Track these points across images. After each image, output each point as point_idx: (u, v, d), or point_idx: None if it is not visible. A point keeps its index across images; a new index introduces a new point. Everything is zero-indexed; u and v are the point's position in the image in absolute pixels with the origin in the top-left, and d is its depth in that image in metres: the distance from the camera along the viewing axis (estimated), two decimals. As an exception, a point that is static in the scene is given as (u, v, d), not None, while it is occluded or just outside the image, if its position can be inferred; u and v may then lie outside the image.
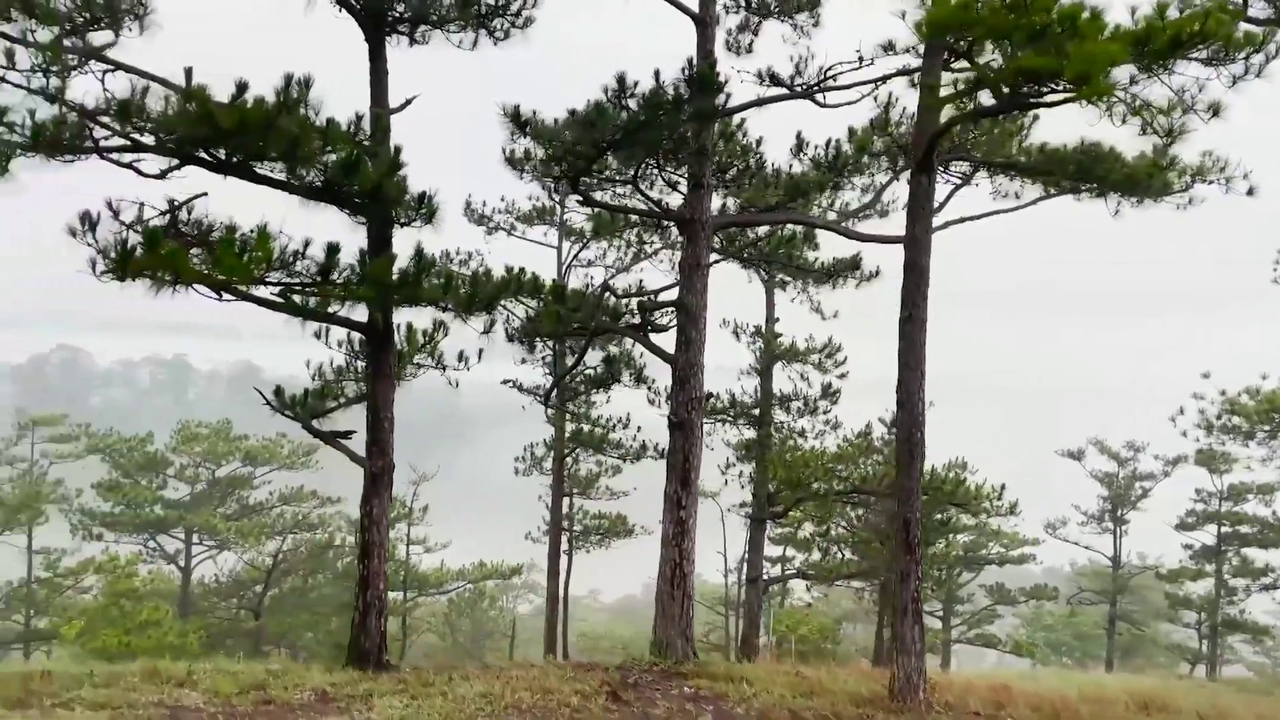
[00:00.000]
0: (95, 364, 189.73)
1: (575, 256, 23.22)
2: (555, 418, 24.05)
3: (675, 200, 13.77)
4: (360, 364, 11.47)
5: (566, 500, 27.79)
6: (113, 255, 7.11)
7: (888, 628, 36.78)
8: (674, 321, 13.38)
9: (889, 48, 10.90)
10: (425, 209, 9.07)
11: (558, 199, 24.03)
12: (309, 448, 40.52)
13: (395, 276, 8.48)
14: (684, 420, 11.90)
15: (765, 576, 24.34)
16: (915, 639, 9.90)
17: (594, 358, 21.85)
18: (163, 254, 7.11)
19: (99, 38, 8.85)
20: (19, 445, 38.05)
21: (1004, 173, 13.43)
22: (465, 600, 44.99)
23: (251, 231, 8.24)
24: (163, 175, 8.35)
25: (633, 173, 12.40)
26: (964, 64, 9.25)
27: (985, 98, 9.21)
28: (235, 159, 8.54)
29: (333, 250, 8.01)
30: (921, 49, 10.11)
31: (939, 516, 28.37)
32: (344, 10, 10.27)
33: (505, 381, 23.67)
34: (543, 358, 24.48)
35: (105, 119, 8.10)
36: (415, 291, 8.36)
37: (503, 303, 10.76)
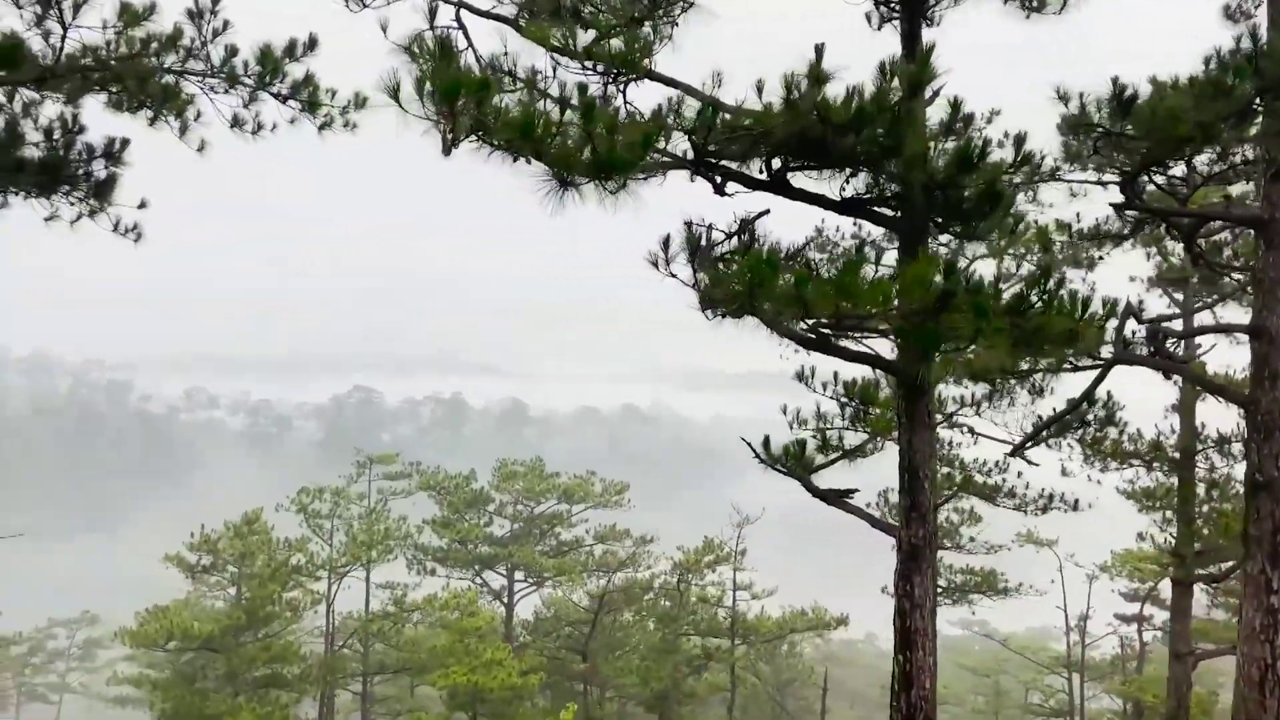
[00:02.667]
0: (386, 403, 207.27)
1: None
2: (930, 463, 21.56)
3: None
4: (850, 410, 9.72)
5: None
6: (736, 286, 5.73)
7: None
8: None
9: None
10: (1012, 218, 7.15)
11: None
12: (620, 486, 40.49)
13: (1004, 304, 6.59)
14: (1272, 480, 9.24)
15: (1197, 650, 20.41)
16: None
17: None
18: (789, 283, 5.63)
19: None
20: (359, 482, 40.25)
21: None
22: (767, 646, 43.07)
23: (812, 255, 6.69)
24: (719, 191, 6.98)
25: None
26: None
27: None
28: (791, 167, 7.05)
29: (951, 269, 6.24)
30: None
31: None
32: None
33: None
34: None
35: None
36: (1040, 321, 6.41)
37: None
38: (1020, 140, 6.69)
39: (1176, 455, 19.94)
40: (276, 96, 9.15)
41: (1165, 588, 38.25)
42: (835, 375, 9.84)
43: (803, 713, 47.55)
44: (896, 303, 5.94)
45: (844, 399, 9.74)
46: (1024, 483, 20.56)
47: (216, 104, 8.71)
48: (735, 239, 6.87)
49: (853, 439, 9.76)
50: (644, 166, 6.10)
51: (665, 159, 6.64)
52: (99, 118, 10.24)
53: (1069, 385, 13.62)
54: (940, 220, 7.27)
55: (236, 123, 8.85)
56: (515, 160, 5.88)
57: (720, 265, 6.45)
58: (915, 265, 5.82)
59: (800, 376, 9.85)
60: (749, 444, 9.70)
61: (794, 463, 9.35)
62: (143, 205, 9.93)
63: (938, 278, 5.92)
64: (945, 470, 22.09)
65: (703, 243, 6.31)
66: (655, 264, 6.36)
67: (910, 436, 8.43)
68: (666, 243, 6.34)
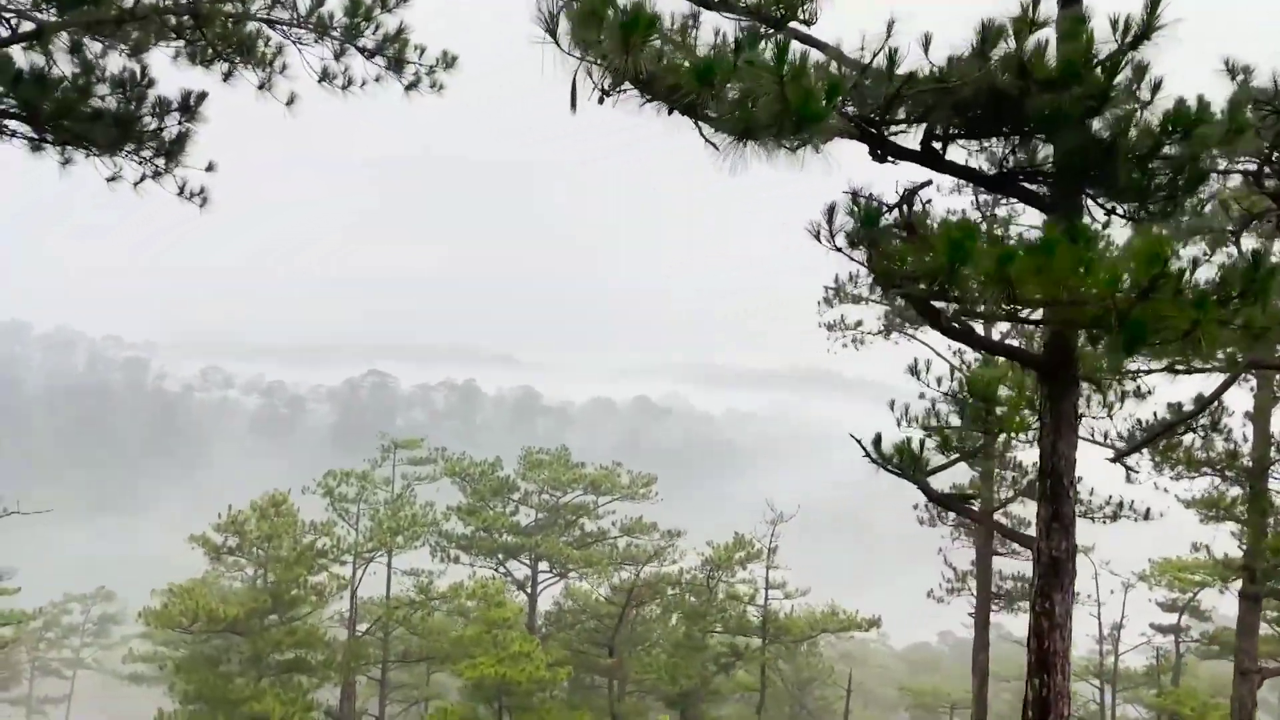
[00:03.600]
0: (400, 388, 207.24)
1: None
2: (984, 464, 20.83)
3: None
4: (971, 409, 8.98)
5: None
6: (933, 262, 4.99)
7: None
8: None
9: None
10: (1199, 200, 6.39)
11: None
12: (647, 479, 39.75)
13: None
14: None
15: (1262, 666, 19.60)
16: None
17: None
18: (991, 259, 4.90)
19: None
20: (383, 467, 39.60)
21: None
22: (790, 645, 42.41)
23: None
24: (879, 158, 6.24)
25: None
26: None
27: None
28: (953, 135, 6.32)
29: (1160, 251, 5.48)
30: None
31: None
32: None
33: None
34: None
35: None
36: (1246, 315, 5.65)
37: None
38: (1236, 107, 5.88)
39: (1249, 464, 19.11)
40: (362, 52, 8.43)
41: (1206, 597, 37.46)
42: (951, 370, 9.09)
43: (822, 712, 46.84)
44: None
45: (960, 396, 8.98)
46: (1087, 488, 19.80)
47: (305, 56, 8.00)
48: (897, 211, 6.13)
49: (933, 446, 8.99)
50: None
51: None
52: (161, 73, 9.55)
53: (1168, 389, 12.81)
54: (1116, 197, 6.49)
55: (326, 76, 8.13)
56: (671, 113, 5.16)
57: (892, 239, 5.70)
58: (1146, 244, 5.04)
59: (914, 371, 9.11)
60: (858, 441, 8.98)
61: (909, 464, 8.62)
62: (210, 168, 9.25)
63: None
64: (1003, 474, 21.37)
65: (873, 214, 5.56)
66: (817, 236, 5.63)
67: (1055, 440, 7.68)
68: (831, 213, 5.61)
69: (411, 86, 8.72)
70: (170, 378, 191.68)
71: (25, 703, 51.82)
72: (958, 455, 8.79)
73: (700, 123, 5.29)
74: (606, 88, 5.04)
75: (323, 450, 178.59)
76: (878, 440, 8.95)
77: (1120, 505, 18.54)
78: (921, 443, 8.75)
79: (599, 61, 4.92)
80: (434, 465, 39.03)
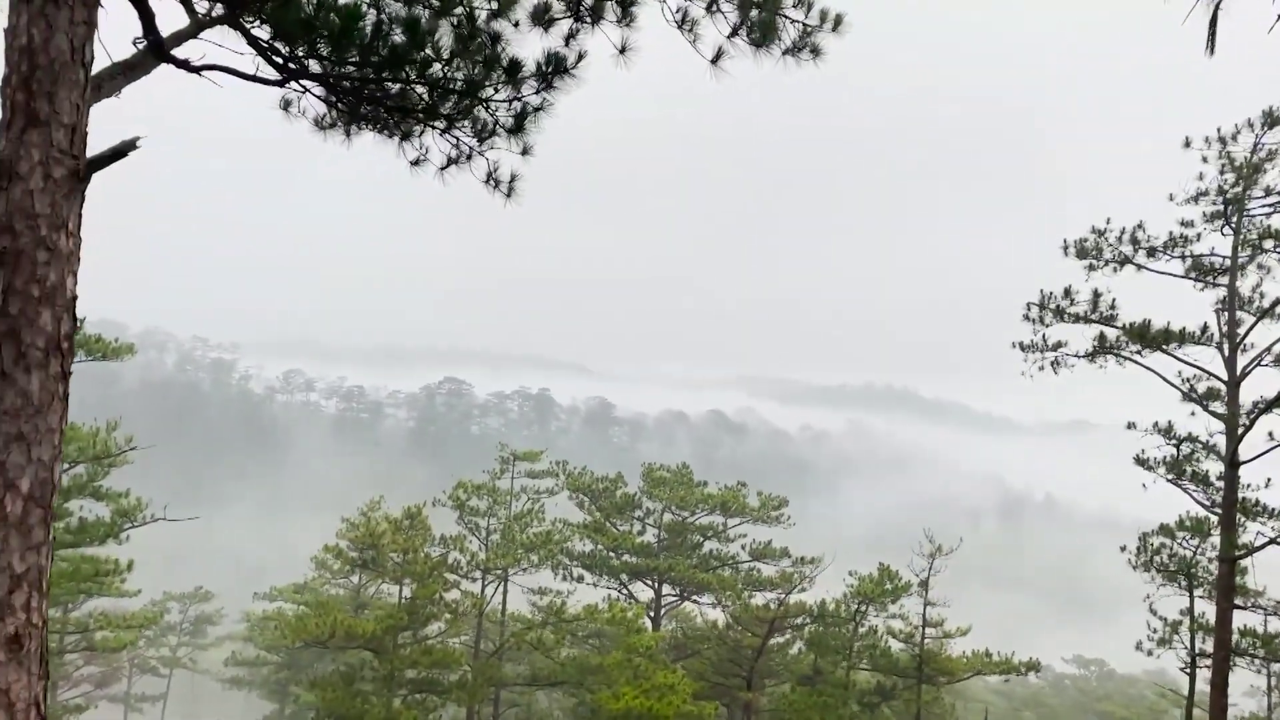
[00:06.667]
0: (475, 395, 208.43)
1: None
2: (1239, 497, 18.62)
3: None
4: None
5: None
6: None
7: None
8: None
9: None
10: None
11: None
12: (778, 501, 37.83)
13: None
14: None
15: None
16: None
17: None
18: None
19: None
20: (502, 479, 38.40)
21: None
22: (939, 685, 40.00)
23: None
24: None
25: None
26: None
27: None
28: None
29: None
30: None
31: None
32: None
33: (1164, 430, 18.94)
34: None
35: None
36: None
37: None
38: None
39: None
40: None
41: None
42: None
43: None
44: None
45: None
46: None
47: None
48: None
49: None
50: None
51: None
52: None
53: None
54: None
55: (745, 32, 6.54)
56: None
57: None
58: None
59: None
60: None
61: None
62: (526, 152, 7.78)
63: None
64: (1243, 520, 19.13)
65: None
66: None
67: None
68: None
69: (791, 52, 7.14)
70: (255, 379, 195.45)
71: (124, 700, 51.93)
72: None
73: None
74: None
75: (401, 455, 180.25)
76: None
77: None
78: None
79: None
80: (554, 479, 37.74)
